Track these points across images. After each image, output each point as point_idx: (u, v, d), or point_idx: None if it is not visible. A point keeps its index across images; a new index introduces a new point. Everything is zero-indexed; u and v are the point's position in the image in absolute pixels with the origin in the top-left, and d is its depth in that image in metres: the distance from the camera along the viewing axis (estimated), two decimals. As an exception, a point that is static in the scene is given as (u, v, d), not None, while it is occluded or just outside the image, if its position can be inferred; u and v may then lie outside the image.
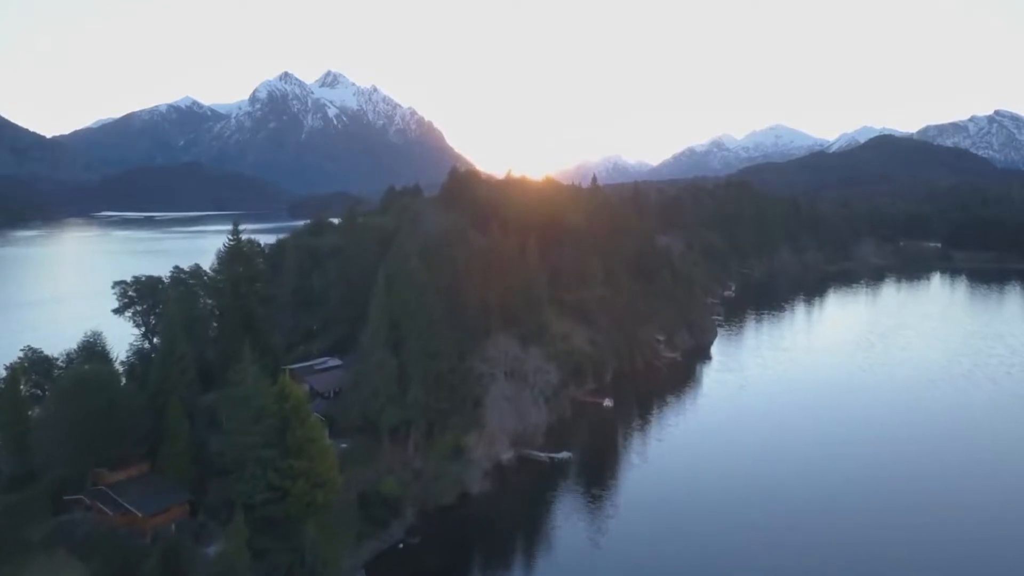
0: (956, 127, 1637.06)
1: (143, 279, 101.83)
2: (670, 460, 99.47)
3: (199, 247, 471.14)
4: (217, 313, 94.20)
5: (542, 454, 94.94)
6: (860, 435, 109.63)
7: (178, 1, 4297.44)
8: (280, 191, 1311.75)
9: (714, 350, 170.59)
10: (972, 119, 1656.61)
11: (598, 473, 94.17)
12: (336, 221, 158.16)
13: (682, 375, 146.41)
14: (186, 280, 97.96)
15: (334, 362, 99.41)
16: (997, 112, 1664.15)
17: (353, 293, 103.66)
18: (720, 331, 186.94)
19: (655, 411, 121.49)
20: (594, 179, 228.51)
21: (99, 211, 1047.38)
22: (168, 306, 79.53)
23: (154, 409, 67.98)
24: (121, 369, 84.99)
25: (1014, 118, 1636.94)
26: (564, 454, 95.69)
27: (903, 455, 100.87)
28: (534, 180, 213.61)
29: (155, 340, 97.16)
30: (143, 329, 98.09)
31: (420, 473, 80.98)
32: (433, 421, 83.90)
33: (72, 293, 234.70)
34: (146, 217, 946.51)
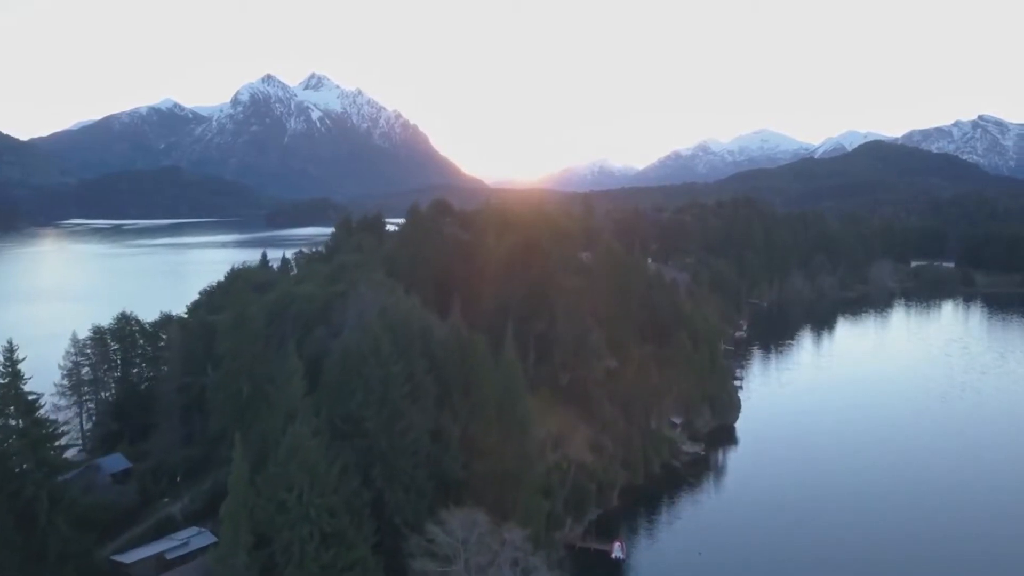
0: (941, 132, 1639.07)
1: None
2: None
3: (153, 267, 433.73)
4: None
5: None
6: None
7: (160, 1, 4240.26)
8: (262, 196, 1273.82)
9: (740, 428, 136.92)
10: (956, 124, 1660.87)
11: None
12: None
13: (708, 478, 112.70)
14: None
15: (203, 539, 63.95)
16: (981, 117, 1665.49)
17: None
18: (740, 392, 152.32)
19: (682, 559, 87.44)
20: (589, 205, 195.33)
21: (69, 219, 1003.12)
22: None
23: None
24: None
25: (998, 123, 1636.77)
26: None
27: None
28: (519, 210, 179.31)
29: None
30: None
31: None
32: None
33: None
34: (115, 226, 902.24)
